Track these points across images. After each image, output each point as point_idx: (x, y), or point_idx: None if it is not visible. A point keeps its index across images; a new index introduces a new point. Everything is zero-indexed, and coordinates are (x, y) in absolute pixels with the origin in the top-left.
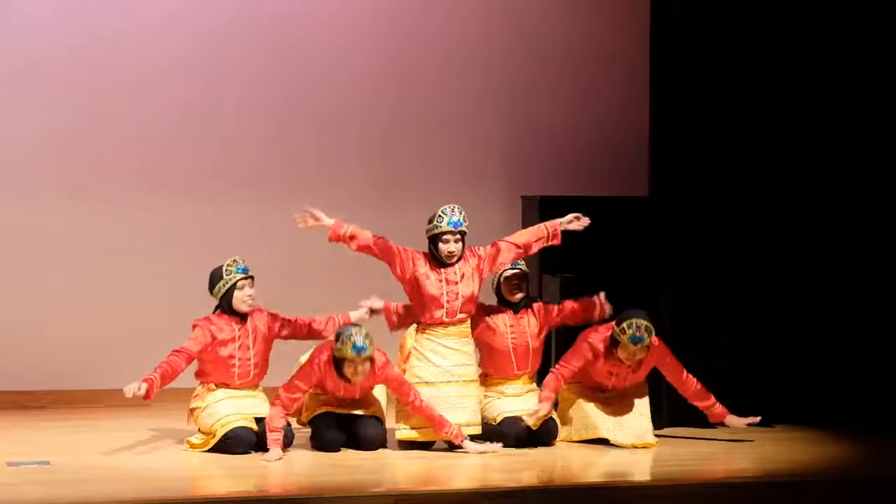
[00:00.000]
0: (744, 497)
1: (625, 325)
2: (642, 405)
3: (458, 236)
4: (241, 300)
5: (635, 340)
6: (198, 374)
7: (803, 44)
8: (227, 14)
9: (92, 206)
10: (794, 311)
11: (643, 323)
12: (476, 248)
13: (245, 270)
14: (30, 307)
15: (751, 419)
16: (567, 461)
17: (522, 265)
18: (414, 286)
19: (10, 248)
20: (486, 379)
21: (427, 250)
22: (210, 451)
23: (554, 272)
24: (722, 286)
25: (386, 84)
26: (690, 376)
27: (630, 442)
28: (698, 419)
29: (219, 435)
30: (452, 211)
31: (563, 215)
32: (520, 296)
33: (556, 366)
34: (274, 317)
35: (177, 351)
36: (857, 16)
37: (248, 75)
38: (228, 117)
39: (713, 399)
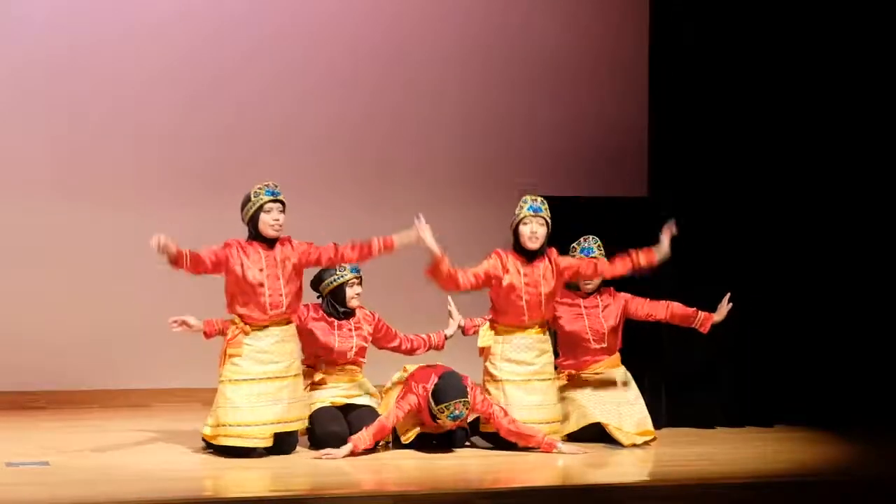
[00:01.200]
0: (744, 497)
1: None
2: (634, 393)
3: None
4: (267, 224)
5: (587, 251)
6: (229, 307)
7: (803, 45)
8: (224, 18)
9: (92, 206)
10: (794, 311)
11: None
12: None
13: (274, 193)
14: (30, 307)
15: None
16: (567, 461)
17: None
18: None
19: (9, 249)
20: (495, 325)
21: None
22: (212, 450)
23: None
24: (722, 286)
25: (385, 84)
26: (662, 302)
27: (631, 430)
28: (698, 419)
29: (227, 442)
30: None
31: (562, 215)
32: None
33: None
34: (307, 245)
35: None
36: (856, 16)
37: (246, 76)
38: (226, 120)
39: (695, 309)
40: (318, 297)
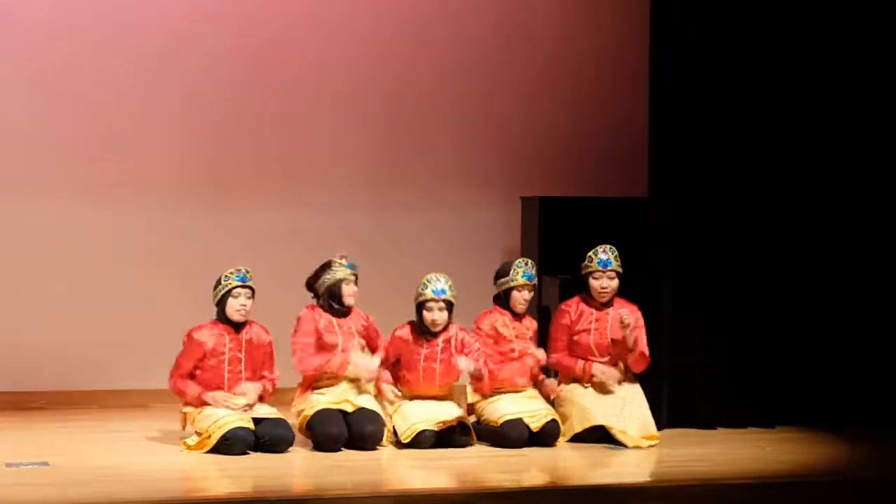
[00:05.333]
0: (744, 497)
1: (590, 254)
2: (639, 395)
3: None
4: (234, 308)
5: (604, 264)
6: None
7: (802, 44)
8: (221, 13)
9: (92, 207)
10: (794, 311)
11: (607, 246)
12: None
13: (244, 280)
14: (29, 308)
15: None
16: (567, 462)
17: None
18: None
19: (9, 249)
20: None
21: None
22: (208, 452)
23: (554, 273)
24: (722, 286)
25: (385, 84)
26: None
27: (635, 434)
28: (699, 420)
29: (216, 437)
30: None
31: (562, 216)
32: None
33: (549, 355)
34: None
35: (177, 372)
36: (856, 16)
37: (245, 76)
38: (226, 120)
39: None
40: (312, 298)
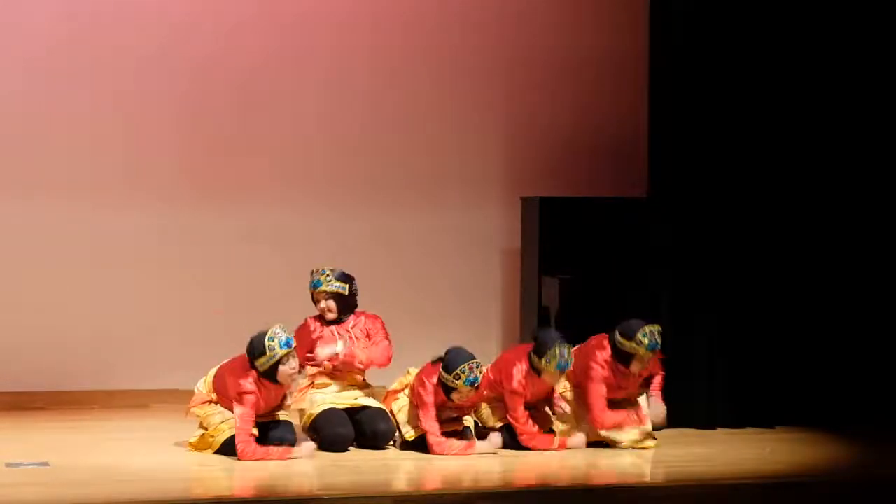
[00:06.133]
0: (744, 497)
1: (639, 335)
2: (639, 402)
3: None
4: (286, 375)
5: (653, 347)
6: (219, 401)
7: (802, 44)
8: (218, 14)
9: (91, 206)
10: (793, 311)
11: (654, 328)
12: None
13: (289, 344)
14: (29, 308)
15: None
16: (567, 462)
17: None
18: None
19: (9, 250)
20: None
21: None
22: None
23: (553, 273)
24: (721, 287)
25: (384, 84)
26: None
27: (633, 440)
28: (699, 420)
29: (220, 439)
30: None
31: (561, 216)
32: None
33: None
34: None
35: (244, 429)
36: (856, 16)
37: (243, 76)
38: (225, 119)
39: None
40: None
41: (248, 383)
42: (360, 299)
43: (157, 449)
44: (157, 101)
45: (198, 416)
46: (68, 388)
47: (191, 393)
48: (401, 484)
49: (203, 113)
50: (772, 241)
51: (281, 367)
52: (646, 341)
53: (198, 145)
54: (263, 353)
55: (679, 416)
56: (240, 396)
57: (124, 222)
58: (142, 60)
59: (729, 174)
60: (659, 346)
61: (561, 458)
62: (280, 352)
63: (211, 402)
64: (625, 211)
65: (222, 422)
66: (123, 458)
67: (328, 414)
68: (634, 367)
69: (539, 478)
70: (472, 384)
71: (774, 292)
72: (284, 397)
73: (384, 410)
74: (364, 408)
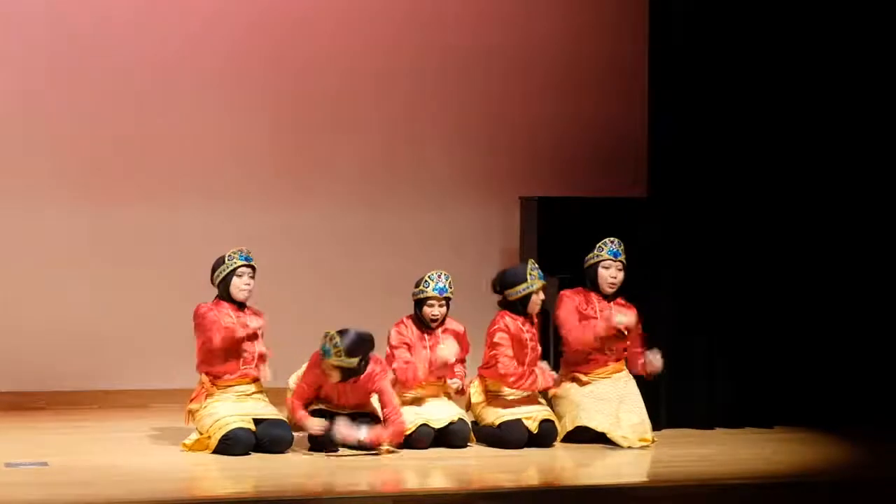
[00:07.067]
0: (743, 497)
1: (600, 244)
2: (635, 395)
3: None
4: (238, 287)
5: (615, 254)
6: (200, 366)
7: (802, 45)
8: (221, 12)
9: (91, 206)
10: (793, 311)
11: (615, 239)
12: None
13: (247, 259)
14: (29, 308)
15: None
16: (566, 462)
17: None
18: None
19: (9, 250)
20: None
21: None
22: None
23: (553, 272)
24: (721, 287)
25: (384, 84)
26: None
27: (630, 435)
28: (698, 420)
29: (217, 437)
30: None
31: (560, 216)
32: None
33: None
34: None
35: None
36: (856, 16)
37: (243, 75)
38: (225, 121)
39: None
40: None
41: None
42: (359, 299)
43: (156, 449)
44: (159, 102)
45: (192, 419)
46: (68, 388)
47: (190, 393)
48: (400, 483)
49: (205, 114)
50: (771, 241)
51: (235, 279)
52: (606, 247)
53: (199, 146)
54: (222, 263)
55: (679, 416)
56: (198, 317)
57: (124, 222)
58: (142, 60)
59: (728, 174)
60: (621, 255)
61: (560, 459)
62: (236, 262)
63: (207, 395)
64: (625, 211)
65: (215, 422)
66: (123, 458)
67: (317, 415)
68: (603, 274)
69: (539, 478)
70: (440, 292)
71: (774, 292)
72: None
73: (372, 416)
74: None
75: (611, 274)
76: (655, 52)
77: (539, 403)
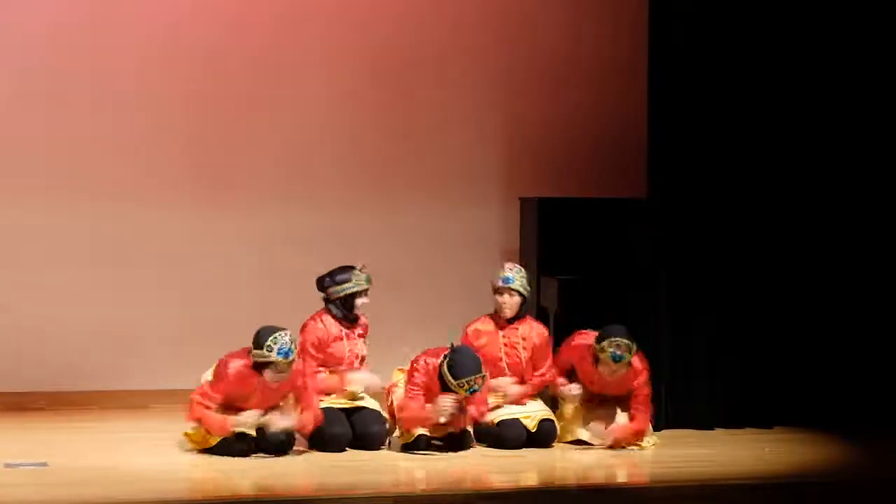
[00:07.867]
0: (743, 497)
1: (605, 343)
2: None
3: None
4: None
5: (616, 358)
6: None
7: (802, 45)
8: (219, 13)
9: (91, 206)
10: (792, 311)
11: (623, 341)
12: None
13: (286, 355)
14: (29, 308)
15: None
16: (565, 463)
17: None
18: None
19: (9, 249)
20: None
21: None
22: (209, 451)
23: (553, 274)
24: (721, 287)
25: (383, 84)
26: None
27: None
28: (698, 421)
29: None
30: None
31: (560, 216)
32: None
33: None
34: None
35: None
36: (854, 17)
37: (246, 77)
38: (225, 120)
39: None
40: (324, 300)
41: (235, 363)
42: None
43: (156, 449)
44: (158, 101)
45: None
46: (68, 388)
47: (190, 393)
48: (401, 484)
49: (205, 114)
50: (771, 241)
51: (267, 371)
52: (609, 350)
53: (200, 146)
54: (261, 347)
55: (679, 416)
56: (220, 370)
57: (124, 222)
58: (145, 59)
59: (729, 174)
60: (623, 360)
61: (560, 459)
62: (273, 357)
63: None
64: (624, 211)
65: None
66: (123, 458)
67: (325, 413)
68: (602, 369)
69: (539, 478)
70: (473, 393)
71: (774, 293)
72: (282, 404)
73: (379, 413)
74: (361, 408)
75: (607, 370)
76: (655, 51)
77: (537, 402)
